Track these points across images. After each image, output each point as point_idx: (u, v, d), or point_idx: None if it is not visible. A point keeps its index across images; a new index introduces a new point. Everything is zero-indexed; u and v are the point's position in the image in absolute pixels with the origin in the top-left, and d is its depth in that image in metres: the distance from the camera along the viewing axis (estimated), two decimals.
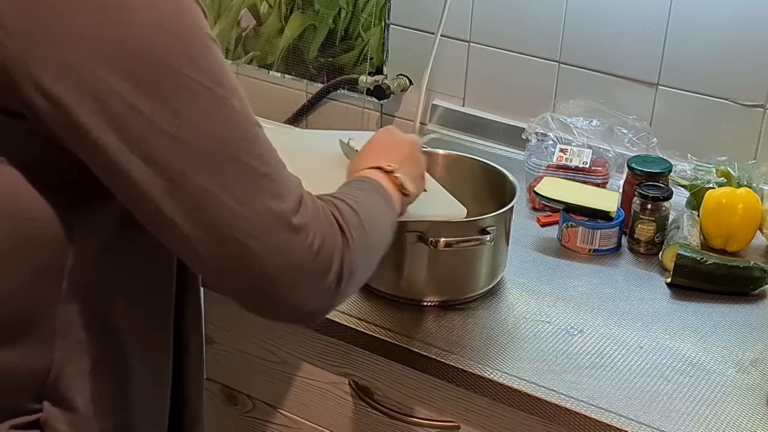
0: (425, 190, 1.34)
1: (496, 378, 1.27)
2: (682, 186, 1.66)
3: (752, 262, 1.49)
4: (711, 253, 1.51)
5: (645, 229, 1.56)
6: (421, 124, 2.02)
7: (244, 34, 2.19)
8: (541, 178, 1.65)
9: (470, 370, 1.28)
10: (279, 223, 0.88)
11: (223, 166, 0.86)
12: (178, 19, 0.85)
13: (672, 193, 1.58)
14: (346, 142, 1.40)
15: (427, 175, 1.40)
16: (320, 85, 2.12)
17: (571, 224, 1.57)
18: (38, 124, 0.85)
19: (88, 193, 0.90)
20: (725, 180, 1.62)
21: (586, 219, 1.57)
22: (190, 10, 0.86)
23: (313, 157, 1.36)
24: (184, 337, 1.13)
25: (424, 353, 1.31)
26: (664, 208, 1.56)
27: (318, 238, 0.90)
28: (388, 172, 1.13)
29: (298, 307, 0.92)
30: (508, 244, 1.45)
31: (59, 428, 0.97)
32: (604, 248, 1.57)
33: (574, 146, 1.71)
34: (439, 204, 1.33)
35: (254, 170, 0.88)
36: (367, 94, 2.04)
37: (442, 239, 1.34)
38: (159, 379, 1.08)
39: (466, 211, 1.32)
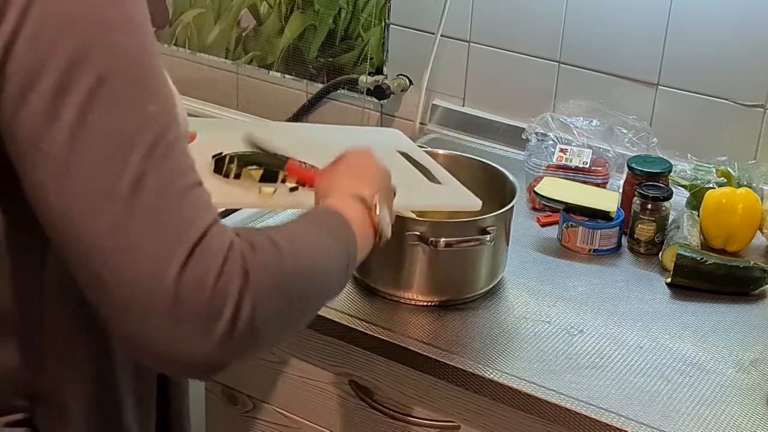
0: (439, 183, 1.33)
1: (496, 378, 1.27)
2: (682, 186, 1.66)
3: (752, 262, 1.49)
4: (711, 253, 1.51)
5: (645, 229, 1.56)
6: (421, 124, 2.02)
7: (244, 34, 2.19)
8: (541, 178, 1.65)
9: (470, 370, 1.28)
10: (166, 259, 0.78)
11: (117, 166, 0.79)
12: (113, 7, 0.81)
13: (672, 193, 1.58)
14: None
15: (440, 167, 1.41)
16: (320, 85, 2.12)
17: (571, 224, 1.57)
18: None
19: None
20: (725, 180, 1.62)
21: (586, 219, 1.57)
22: (132, 3, 0.82)
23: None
24: None
25: (424, 353, 1.31)
26: (664, 208, 1.56)
27: (210, 277, 0.79)
28: (369, 208, 1.03)
29: (187, 355, 0.80)
30: (508, 244, 1.45)
31: (49, 426, 0.96)
32: (604, 248, 1.57)
33: (574, 146, 1.71)
34: (454, 196, 1.33)
35: (158, 180, 0.80)
36: (367, 94, 2.04)
37: (442, 239, 1.34)
38: (145, 380, 1.07)
39: (480, 202, 1.32)
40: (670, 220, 1.58)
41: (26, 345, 0.94)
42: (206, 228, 0.81)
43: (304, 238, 0.92)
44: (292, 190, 1.26)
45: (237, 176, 1.28)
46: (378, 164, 1.12)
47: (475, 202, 1.33)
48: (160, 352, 0.81)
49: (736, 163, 1.64)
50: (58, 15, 0.79)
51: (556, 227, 1.62)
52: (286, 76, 2.16)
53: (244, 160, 1.29)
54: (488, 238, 1.36)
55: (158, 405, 1.11)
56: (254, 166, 1.28)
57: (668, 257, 1.51)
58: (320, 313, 1.37)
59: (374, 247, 1.06)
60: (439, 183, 1.37)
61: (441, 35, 1.93)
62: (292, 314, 0.89)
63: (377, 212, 1.04)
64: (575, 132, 1.74)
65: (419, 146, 1.53)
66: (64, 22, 0.79)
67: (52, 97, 0.79)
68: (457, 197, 1.33)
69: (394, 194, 1.14)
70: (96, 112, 0.79)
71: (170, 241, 0.79)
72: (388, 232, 1.06)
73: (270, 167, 1.27)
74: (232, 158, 1.28)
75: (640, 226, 1.56)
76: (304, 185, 1.26)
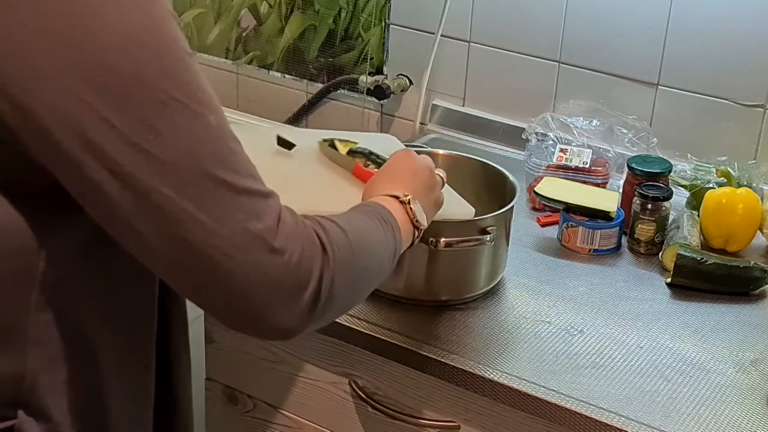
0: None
1: (496, 378, 1.27)
2: (682, 186, 1.66)
3: (752, 262, 1.49)
4: (711, 253, 1.51)
5: (645, 229, 1.56)
6: (421, 124, 2.02)
7: (244, 34, 2.19)
8: (541, 178, 1.65)
9: (470, 370, 1.28)
10: (254, 242, 0.86)
11: (198, 182, 0.84)
12: (152, 30, 0.83)
13: (672, 193, 1.58)
14: (327, 142, 1.39)
15: None
16: (320, 85, 2.12)
17: (571, 224, 1.57)
18: (5, 133, 0.83)
19: (59, 203, 0.89)
20: (725, 180, 1.62)
21: (586, 219, 1.57)
22: (165, 22, 0.84)
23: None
24: (173, 346, 1.11)
25: (424, 353, 1.31)
26: (664, 208, 1.56)
27: (295, 256, 0.88)
28: (403, 203, 1.12)
29: (272, 324, 0.89)
30: (508, 244, 1.45)
31: None
32: (604, 248, 1.57)
33: (574, 146, 1.71)
34: (446, 204, 1.33)
35: (230, 186, 0.86)
36: (367, 94, 2.04)
37: (442, 239, 1.34)
38: (139, 395, 1.06)
39: (474, 210, 1.33)
40: (670, 220, 1.58)
41: (12, 354, 0.94)
42: (279, 212, 0.89)
43: (360, 223, 1.02)
44: None
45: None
46: (417, 164, 1.21)
47: (467, 211, 1.33)
48: (253, 319, 0.89)
49: (736, 163, 1.64)
50: (105, 49, 0.81)
51: (556, 227, 1.62)
52: (286, 76, 2.16)
53: (351, 147, 1.39)
54: (488, 238, 1.36)
55: (166, 413, 1.11)
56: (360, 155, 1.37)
57: (668, 257, 1.51)
58: None
59: (414, 240, 1.15)
60: None
61: (441, 35, 1.93)
62: (357, 289, 1.00)
63: (411, 207, 1.12)
64: (575, 132, 1.74)
65: (420, 146, 1.53)
66: (113, 54, 0.81)
67: (115, 122, 0.81)
68: (449, 206, 1.33)
69: (444, 181, 1.25)
70: (166, 134, 0.83)
71: (258, 228, 0.86)
72: (425, 221, 1.15)
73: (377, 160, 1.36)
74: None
75: (640, 226, 1.56)
76: None
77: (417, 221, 1.13)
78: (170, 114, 0.83)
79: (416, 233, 1.14)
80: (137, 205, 0.83)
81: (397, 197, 1.12)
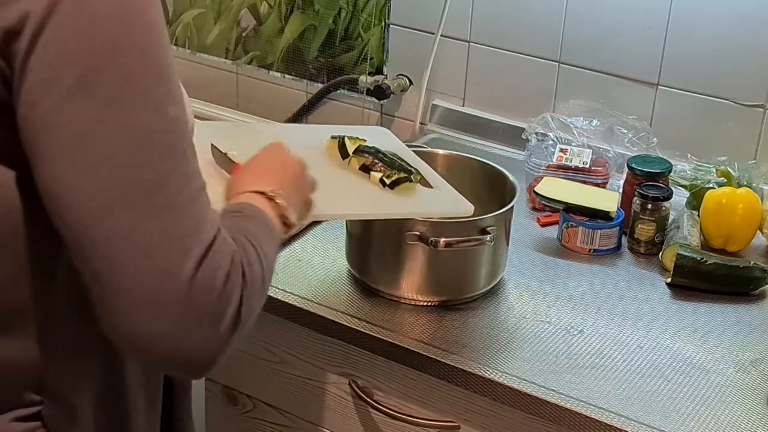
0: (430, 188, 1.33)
1: (496, 378, 1.27)
2: (682, 186, 1.66)
3: (752, 262, 1.49)
4: (711, 253, 1.51)
5: (645, 229, 1.56)
6: (421, 124, 2.02)
7: (244, 34, 2.19)
8: (541, 178, 1.65)
9: (470, 370, 1.28)
10: (184, 251, 0.82)
11: (142, 163, 0.81)
12: (136, 14, 0.83)
13: (672, 193, 1.58)
14: (223, 151, 1.31)
15: (432, 170, 1.41)
16: (320, 85, 2.12)
17: (571, 224, 1.57)
18: (8, 117, 0.84)
19: None
20: (725, 180, 1.62)
21: (586, 219, 1.57)
22: (150, 9, 0.84)
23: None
24: None
25: (424, 353, 1.31)
26: (664, 208, 1.56)
27: (220, 277, 0.84)
28: (270, 198, 1.04)
29: (184, 349, 0.84)
30: (508, 244, 1.45)
31: (58, 421, 0.97)
32: (604, 248, 1.57)
33: (574, 146, 1.71)
34: (445, 201, 1.33)
35: (174, 183, 0.83)
36: (367, 94, 2.04)
37: (442, 239, 1.34)
38: (152, 381, 1.08)
39: (473, 207, 1.32)
40: (670, 220, 1.58)
41: (38, 339, 0.95)
42: (217, 229, 0.85)
43: (262, 236, 0.95)
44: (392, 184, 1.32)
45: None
46: (287, 159, 1.13)
47: (466, 208, 1.32)
48: (164, 349, 0.83)
49: (736, 163, 1.64)
50: (85, 14, 0.81)
51: (556, 227, 1.62)
52: (286, 76, 2.16)
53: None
54: (488, 238, 1.35)
55: (162, 407, 1.12)
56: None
57: (668, 257, 1.51)
58: (320, 313, 1.38)
59: (287, 234, 1.06)
60: (430, 187, 1.36)
61: (441, 35, 1.93)
62: (262, 302, 0.94)
63: (278, 202, 1.04)
64: (575, 132, 1.74)
65: (420, 146, 1.53)
66: (91, 21, 0.81)
67: (74, 91, 0.80)
68: (449, 204, 1.33)
69: (315, 186, 1.16)
70: (118, 108, 0.81)
71: (188, 242, 0.82)
72: (295, 218, 1.06)
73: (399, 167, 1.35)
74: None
75: (640, 226, 1.56)
76: None
77: (285, 218, 1.05)
78: (132, 90, 0.82)
79: (285, 230, 1.06)
80: (76, 170, 0.81)
81: (263, 192, 1.04)
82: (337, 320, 1.37)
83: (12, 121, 0.85)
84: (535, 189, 1.60)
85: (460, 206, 1.33)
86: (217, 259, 0.84)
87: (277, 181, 1.07)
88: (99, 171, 0.81)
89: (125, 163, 0.81)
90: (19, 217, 0.90)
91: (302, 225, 1.13)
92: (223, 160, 1.28)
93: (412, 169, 1.35)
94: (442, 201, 1.34)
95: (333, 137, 1.42)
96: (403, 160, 1.37)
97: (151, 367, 0.90)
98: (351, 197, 1.32)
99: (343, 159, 1.38)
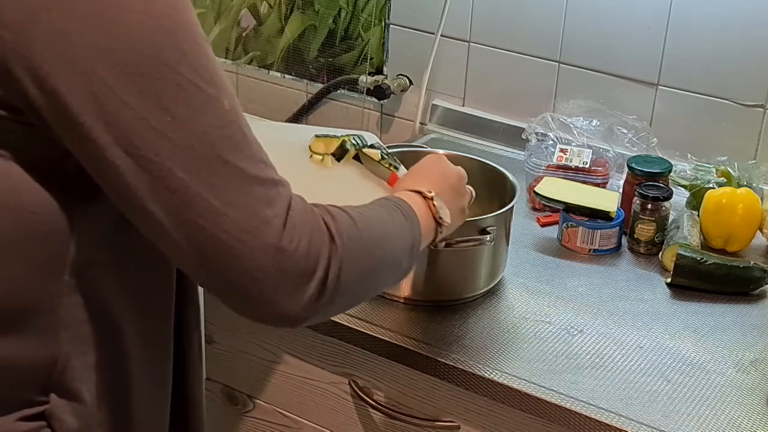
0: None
1: (496, 378, 1.27)
2: (682, 186, 1.66)
3: (752, 262, 1.49)
4: (711, 253, 1.51)
5: (645, 229, 1.56)
6: (421, 124, 2.02)
7: (244, 34, 2.19)
8: (541, 178, 1.65)
9: (470, 370, 1.28)
10: (263, 228, 0.87)
11: (211, 165, 0.86)
12: (173, 15, 0.85)
13: (672, 193, 1.58)
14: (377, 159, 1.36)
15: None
16: (320, 85, 2.12)
17: (571, 224, 1.57)
18: (35, 116, 0.86)
19: (88, 187, 0.90)
20: (725, 180, 1.62)
21: (586, 219, 1.57)
22: (185, 8, 0.86)
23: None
24: (186, 334, 1.13)
25: (424, 353, 1.31)
26: (664, 208, 1.56)
27: (303, 244, 0.89)
28: (426, 198, 1.12)
29: (278, 310, 0.90)
30: (508, 244, 1.45)
31: (65, 419, 0.97)
32: (604, 248, 1.57)
33: (574, 146, 1.71)
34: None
35: (242, 171, 0.87)
36: (367, 94, 2.05)
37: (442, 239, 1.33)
38: (161, 374, 1.08)
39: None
40: (670, 220, 1.58)
41: (47, 340, 0.95)
42: (290, 200, 0.90)
43: (373, 213, 1.02)
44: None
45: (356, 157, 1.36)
46: (446, 167, 1.22)
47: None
48: (259, 304, 0.90)
49: (736, 163, 1.64)
50: (126, 32, 0.83)
51: (556, 227, 1.62)
52: (286, 76, 2.16)
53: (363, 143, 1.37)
54: (488, 238, 1.36)
55: (176, 401, 1.12)
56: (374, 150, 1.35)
57: (668, 257, 1.51)
58: None
59: (436, 237, 1.15)
60: None
61: (441, 35, 1.93)
62: (368, 280, 1.00)
63: (434, 202, 1.13)
64: (575, 132, 1.74)
65: (420, 146, 1.53)
66: (135, 37, 0.83)
67: (135, 106, 0.83)
68: None
69: (473, 196, 1.26)
70: (182, 117, 0.84)
71: (268, 213, 0.88)
72: (448, 218, 1.15)
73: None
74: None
75: (640, 226, 1.56)
76: None
77: (440, 217, 1.13)
78: (187, 98, 0.85)
79: (439, 229, 1.14)
80: (152, 188, 0.85)
81: (420, 192, 1.13)
82: (337, 320, 1.37)
83: (26, 121, 0.86)
84: (535, 189, 1.60)
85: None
86: (298, 226, 0.89)
87: (435, 186, 1.16)
88: (175, 177, 0.85)
89: (197, 166, 0.86)
90: (30, 216, 0.90)
91: (452, 229, 1.21)
92: (377, 167, 1.33)
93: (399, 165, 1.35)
94: None
95: (318, 136, 1.40)
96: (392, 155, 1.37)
97: (251, 318, 0.95)
98: (347, 197, 1.32)
99: (338, 161, 1.37)
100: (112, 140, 0.84)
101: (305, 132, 1.44)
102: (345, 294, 0.95)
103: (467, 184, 1.25)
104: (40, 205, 0.90)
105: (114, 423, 1.02)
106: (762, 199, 1.58)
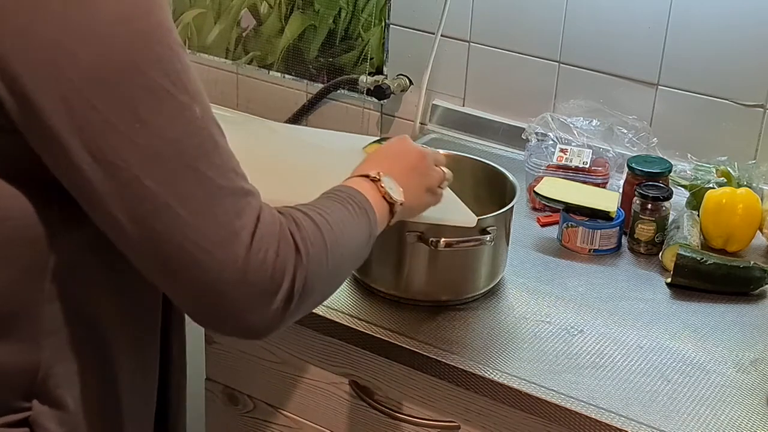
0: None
1: (496, 378, 1.27)
2: (682, 186, 1.66)
3: (752, 262, 1.49)
4: (711, 253, 1.51)
5: (645, 229, 1.56)
6: (421, 124, 2.02)
7: (244, 34, 2.19)
8: (541, 178, 1.65)
9: (470, 370, 1.28)
10: (232, 238, 0.86)
11: (179, 174, 0.84)
12: (145, 18, 0.83)
13: (672, 193, 1.58)
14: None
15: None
16: (320, 85, 2.12)
17: (571, 224, 1.57)
18: (5, 119, 0.84)
19: (67, 193, 0.89)
20: (725, 180, 1.62)
21: (586, 219, 1.57)
22: (158, 9, 0.84)
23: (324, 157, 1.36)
24: (168, 340, 1.12)
25: (424, 353, 1.31)
26: (664, 208, 1.56)
27: (270, 255, 0.88)
28: (373, 181, 1.09)
29: (244, 323, 0.90)
30: (508, 244, 1.45)
31: (49, 427, 0.96)
32: (604, 248, 1.57)
33: (574, 146, 1.71)
34: (448, 211, 1.32)
35: (211, 181, 0.86)
36: (367, 94, 2.04)
37: (442, 239, 1.33)
38: (145, 381, 1.07)
39: (476, 219, 1.32)
40: (670, 220, 1.58)
41: (26, 343, 0.94)
42: (259, 211, 0.89)
43: (333, 212, 0.99)
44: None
45: None
46: (404, 147, 1.18)
47: (469, 218, 1.31)
48: (226, 317, 0.89)
49: (736, 163, 1.64)
50: (96, 34, 0.81)
51: (556, 227, 1.62)
52: (286, 76, 2.16)
53: None
54: (488, 238, 1.35)
55: (158, 408, 1.12)
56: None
57: (668, 257, 1.51)
58: (320, 313, 1.38)
59: (392, 218, 1.11)
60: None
61: (441, 35, 1.93)
62: (332, 282, 1.00)
63: (382, 184, 1.09)
64: (575, 132, 1.74)
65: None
66: (105, 40, 0.81)
67: (103, 110, 0.81)
68: (451, 213, 1.32)
69: (447, 177, 1.22)
70: (152, 124, 0.83)
71: (237, 225, 0.86)
72: (399, 196, 1.10)
73: None
74: None
75: (640, 226, 1.56)
76: None
77: (390, 198, 1.09)
78: (157, 104, 0.83)
79: (393, 209, 1.10)
80: (118, 195, 0.84)
81: (367, 176, 1.09)
82: (337, 320, 1.37)
83: (14, 129, 0.85)
84: (535, 189, 1.60)
85: (463, 216, 1.32)
86: (265, 239, 0.88)
87: (387, 167, 1.11)
88: (129, 190, 0.84)
89: (169, 171, 0.84)
90: (9, 222, 0.89)
91: (420, 210, 1.18)
92: None
93: None
94: (442, 210, 1.32)
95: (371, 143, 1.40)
96: None
97: (219, 332, 0.95)
98: None
99: None
100: (80, 144, 0.82)
101: (358, 141, 1.44)
102: (310, 299, 0.94)
103: (470, 180, 1.23)
104: (18, 211, 0.89)
105: (99, 430, 1.01)
106: (762, 199, 1.58)
